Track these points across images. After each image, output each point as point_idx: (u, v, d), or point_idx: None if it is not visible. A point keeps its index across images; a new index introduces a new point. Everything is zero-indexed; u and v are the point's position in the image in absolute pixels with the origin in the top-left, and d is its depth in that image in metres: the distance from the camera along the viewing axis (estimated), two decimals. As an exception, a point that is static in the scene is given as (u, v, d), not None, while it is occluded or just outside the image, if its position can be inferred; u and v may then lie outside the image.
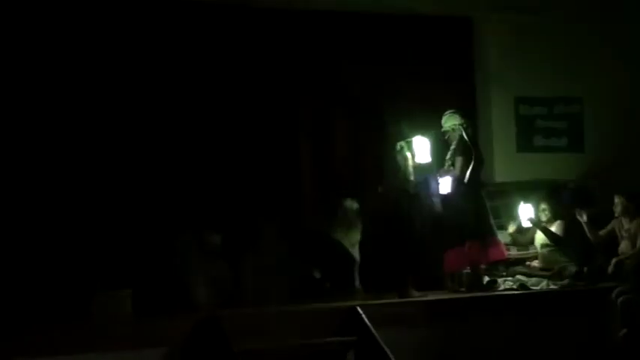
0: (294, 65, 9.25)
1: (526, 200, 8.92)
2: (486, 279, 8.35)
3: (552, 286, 8.20)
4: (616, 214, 8.49)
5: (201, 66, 8.90)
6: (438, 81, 9.60)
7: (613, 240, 8.54)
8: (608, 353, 7.45)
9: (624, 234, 8.41)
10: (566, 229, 8.74)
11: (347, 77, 9.44)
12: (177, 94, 8.78)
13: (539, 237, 8.88)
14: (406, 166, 7.93)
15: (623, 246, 8.40)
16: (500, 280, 8.35)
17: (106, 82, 8.54)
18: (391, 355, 6.47)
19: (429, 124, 8.28)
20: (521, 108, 9.75)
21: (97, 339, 6.47)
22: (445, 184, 8.17)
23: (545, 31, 9.72)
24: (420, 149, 7.95)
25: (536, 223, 8.79)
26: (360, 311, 6.91)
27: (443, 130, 8.32)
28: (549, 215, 8.85)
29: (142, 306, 7.34)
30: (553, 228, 8.74)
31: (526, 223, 8.85)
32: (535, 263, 8.83)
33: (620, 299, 7.48)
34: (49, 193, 8.19)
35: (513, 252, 8.89)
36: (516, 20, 9.63)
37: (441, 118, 8.36)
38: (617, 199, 8.46)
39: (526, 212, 8.82)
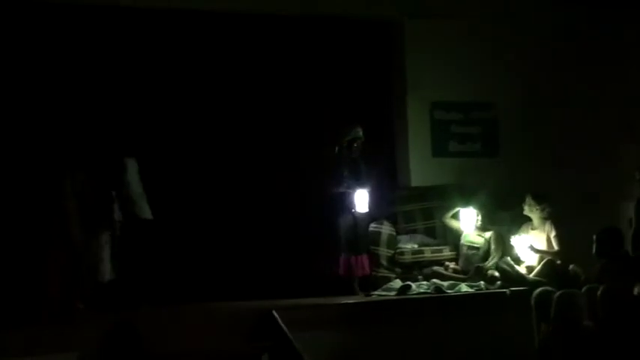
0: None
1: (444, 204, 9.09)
2: (400, 283, 8.39)
3: (469, 290, 8.28)
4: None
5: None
6: (354, 85, 9.60)
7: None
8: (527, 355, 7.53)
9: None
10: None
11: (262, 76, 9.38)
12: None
13: (467, 239, 8.88)
14: None
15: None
16: (414, 284, 8.37)
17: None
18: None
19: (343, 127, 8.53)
20: (436, 113, 9.80)
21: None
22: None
23: (460, 36, 9.80)
24: None
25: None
26: (275, 314, 6.94)
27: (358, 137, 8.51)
28: None
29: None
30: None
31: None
32: (453, 265, 8.83)
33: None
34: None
35: (427, 254, 8.93)
36: (433, 25, 9.67)
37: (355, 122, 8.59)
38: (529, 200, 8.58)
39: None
